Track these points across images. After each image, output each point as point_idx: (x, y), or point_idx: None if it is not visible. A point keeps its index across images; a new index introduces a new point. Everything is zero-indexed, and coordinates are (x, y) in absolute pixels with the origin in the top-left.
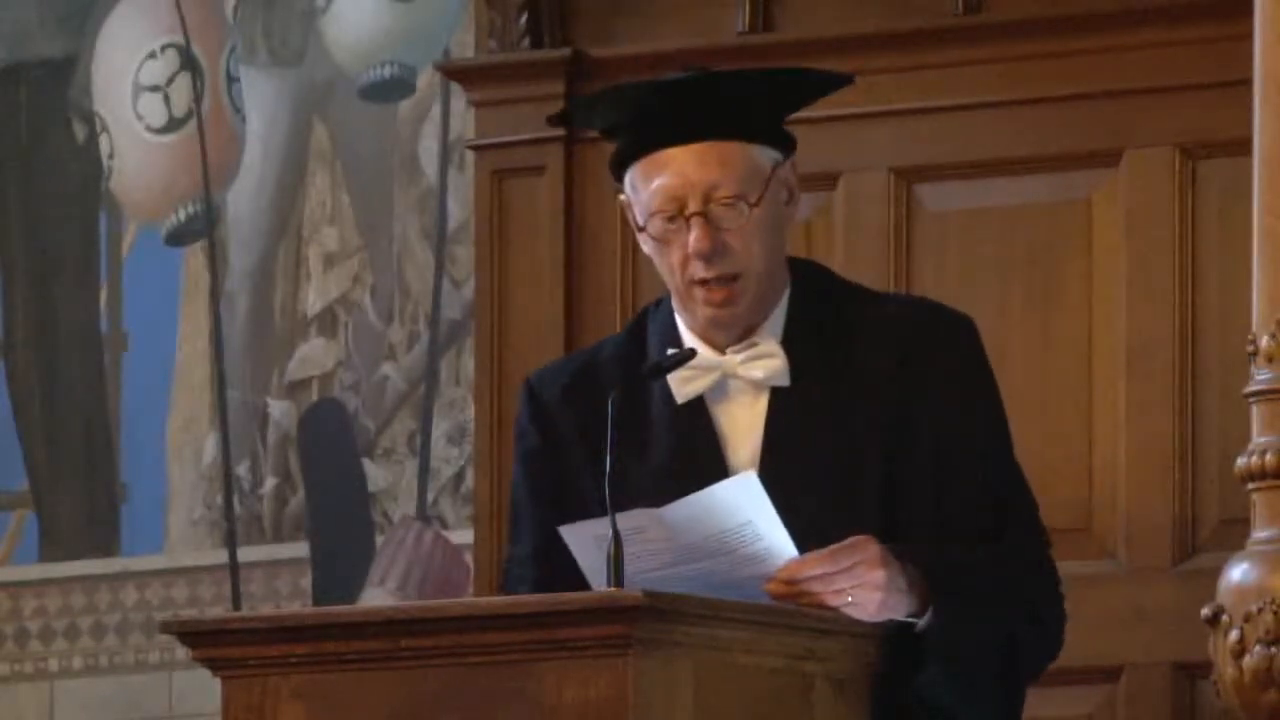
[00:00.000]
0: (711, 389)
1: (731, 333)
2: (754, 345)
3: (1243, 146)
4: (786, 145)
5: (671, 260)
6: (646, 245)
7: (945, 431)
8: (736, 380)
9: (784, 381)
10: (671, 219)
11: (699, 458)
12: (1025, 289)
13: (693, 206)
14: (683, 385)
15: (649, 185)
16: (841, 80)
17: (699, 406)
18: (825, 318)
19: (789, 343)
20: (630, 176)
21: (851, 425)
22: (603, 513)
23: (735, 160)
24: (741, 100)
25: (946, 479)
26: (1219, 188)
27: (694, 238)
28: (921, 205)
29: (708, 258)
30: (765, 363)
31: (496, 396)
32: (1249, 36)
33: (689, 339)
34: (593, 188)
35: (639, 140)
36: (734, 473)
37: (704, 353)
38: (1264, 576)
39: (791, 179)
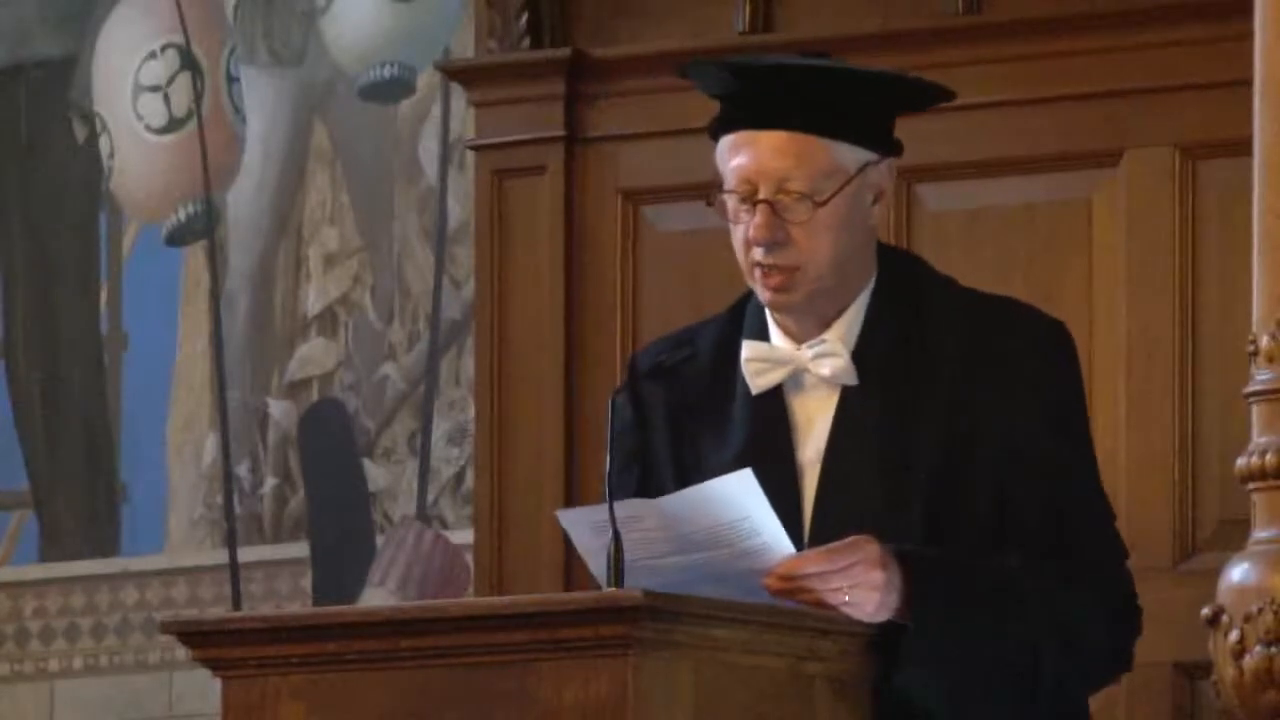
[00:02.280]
0: (791, 380)
1: (804, 321)
2: (824, 342)
3: (1243, 146)
4: (885, 146)
5: (738, 238)
6: (720, 215)
7: (1016, 437)
8: (811, 374)
9: (851, 380)
10: (743, 200)
11: (771, 448)
12: (1025, 289)
13: (763, 193)
14: (756, 378)
15: (730, 162)
16: (943, 94)
17: (777, 397)
18: (906, 316)
19: (864, 339)
20: (720, 146)
21: (913, 428)
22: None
23: (813, 156)
24: (835, 97)
25: (1010, 489)
26: (1219, 188)
27: (755, 225)
28: (921, 205)
29: (768, 246)
30: (831, 361)
31: (496, 396)
32: (1249, 36)
33: (773, 331)
34: (593, 188)
35: (731, 116)
36: (801, 467)
37: (782, 346)
38: (1264, 576)
39: (883, 181)
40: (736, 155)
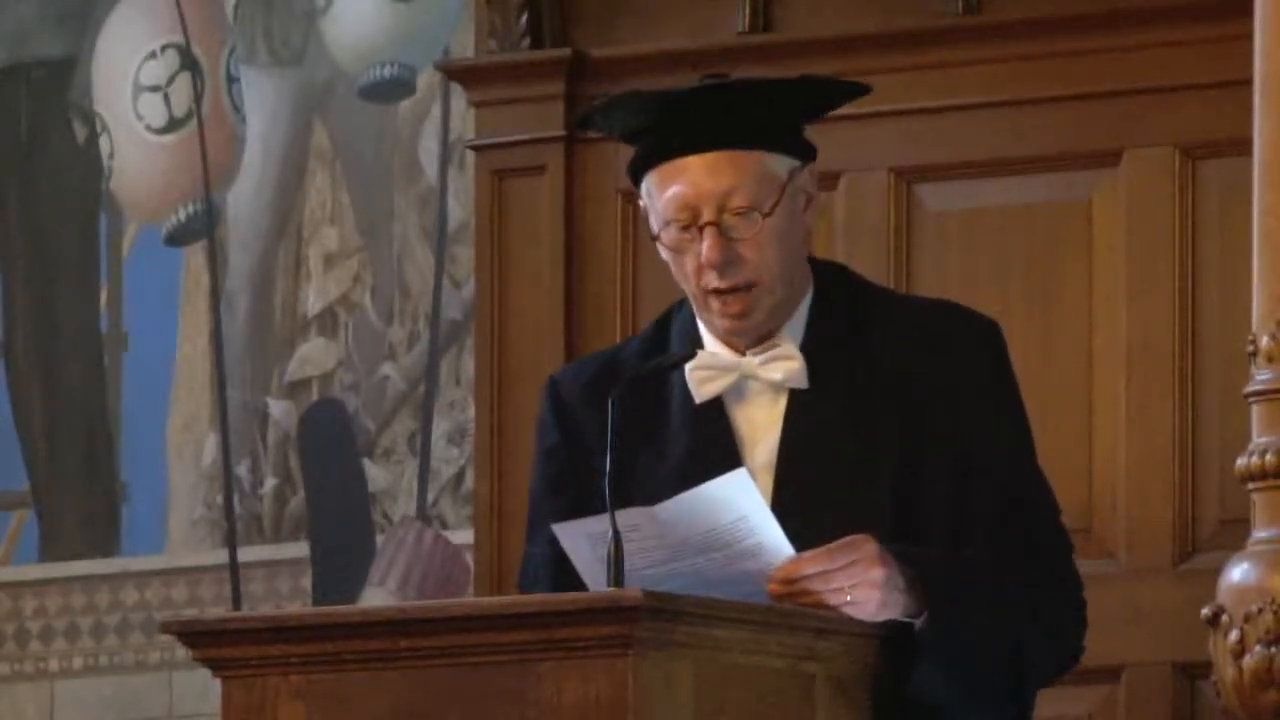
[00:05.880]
0: (731, 390)
1: (750, 336)
2: (773, 347)
3: (1243, 146)
4: (805, 152)
5: (686, 269)
6: (663, 252)
7: (964, 436)
8: (755, 381)
9: (802, 384)
10: (686, 228)
11: (716, 458)
12: (1025, 289)
13: (706, 216)
14: (701, 385)
15: (664, 194)
16: (857, 90)
17: (718, 407)
18: (847, 320)
19: (809, 345)
20: (646, 184)
21: (869, 428)
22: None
23: (749, 169)
24: (756, 109)
25: (964, 483)
26: (1219, 188)
27: (707, 248)
28: (921, 205)
29: (721, 268)
30: (783, 365)
31: (496, 396)
32: (1249, 36)
33: (709, 340)
34: (593, 188)
35: (655, 148)
36: (751, 474)
37: (723, 354)
38: (1264, 576)
39: (810, 186)
40: (670, 185)
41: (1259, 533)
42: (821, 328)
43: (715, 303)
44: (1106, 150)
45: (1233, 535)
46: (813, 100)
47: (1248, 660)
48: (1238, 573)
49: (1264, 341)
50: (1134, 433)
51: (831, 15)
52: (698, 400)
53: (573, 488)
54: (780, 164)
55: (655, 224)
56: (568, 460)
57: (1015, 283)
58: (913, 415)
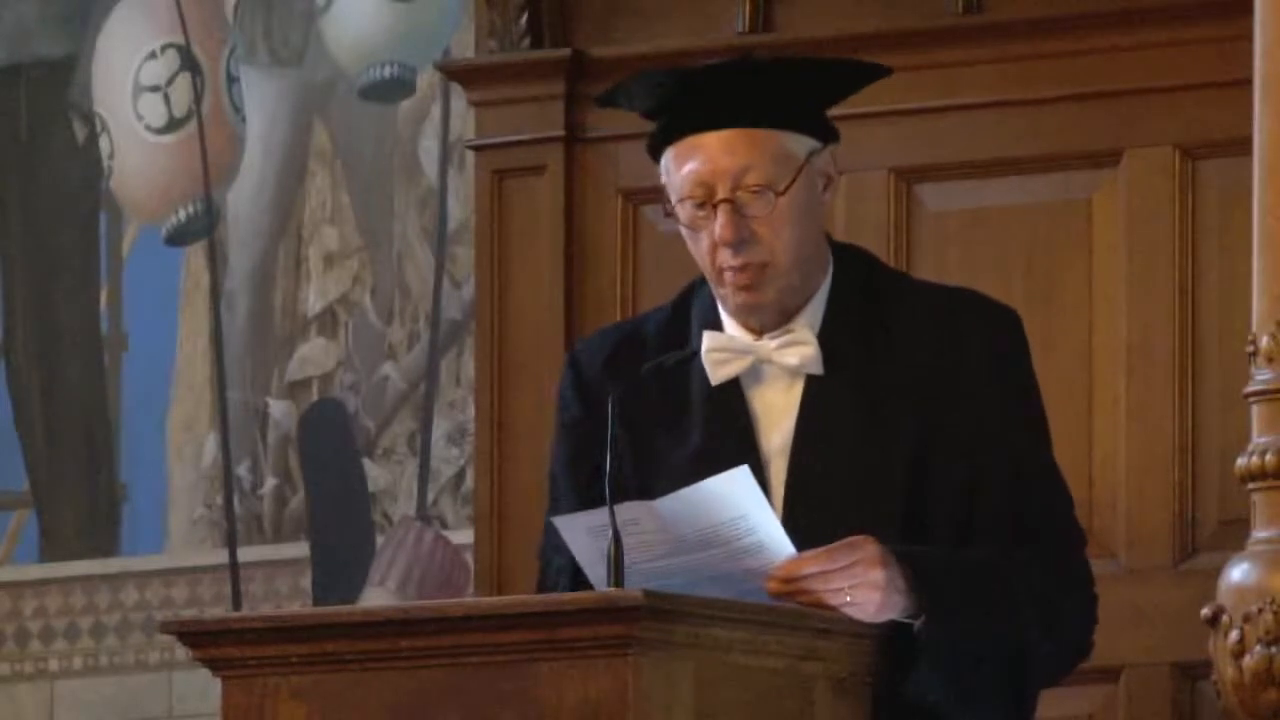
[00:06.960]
0: (748, 373)
1: (766, 317)
2: (789, 332)
3: (1243, 146)
4: (826, 133)
5: (702, 246)
6: (682, 231)
7: (980, 427)
8: (772, 365)
9: (818, 369)
10: (701, 205)
11: (732, 441)
12: (1025, 289)
13: (721, 193)
14: (717, 368)
15: (680, 170)
16: (879, 71)
17: (735, 390)
18: (866, 306)
19: (827, 330)
20: (665, 159)
21: (884, 416)
22: (638, 494)
23: (765, 148)
24: (775, 88)
25: (977, 475)
26: (1219, 188)
27: (720, 225)
28: (921, 205)
29: (735, 245)
30: (799, 350)
31: (496, 396)
32: (1249, 36)
33: (728, 322)
34: (593, 188)
35: (674, 125)
36: (766, 458)
37: (740, 337)
38: (1264, 576)
39: (829, 168)
40: (687, 162)
41: (1259, 533)
42: (840, 314)
43: (728, 277)
44: (1106, 150)
45: (1233, 535)
46: (833, 81)
47: (1248, 660)
48: (1238, 573)
49: (1264, 341)
50: (1134, 433)
51: (831, 15)
52: (713, 382)
53: (593, 468)
54: (799, 144)
55: (672, 200)
56: (588, 435)
57: (1015, 282)
58: (929, 405)
